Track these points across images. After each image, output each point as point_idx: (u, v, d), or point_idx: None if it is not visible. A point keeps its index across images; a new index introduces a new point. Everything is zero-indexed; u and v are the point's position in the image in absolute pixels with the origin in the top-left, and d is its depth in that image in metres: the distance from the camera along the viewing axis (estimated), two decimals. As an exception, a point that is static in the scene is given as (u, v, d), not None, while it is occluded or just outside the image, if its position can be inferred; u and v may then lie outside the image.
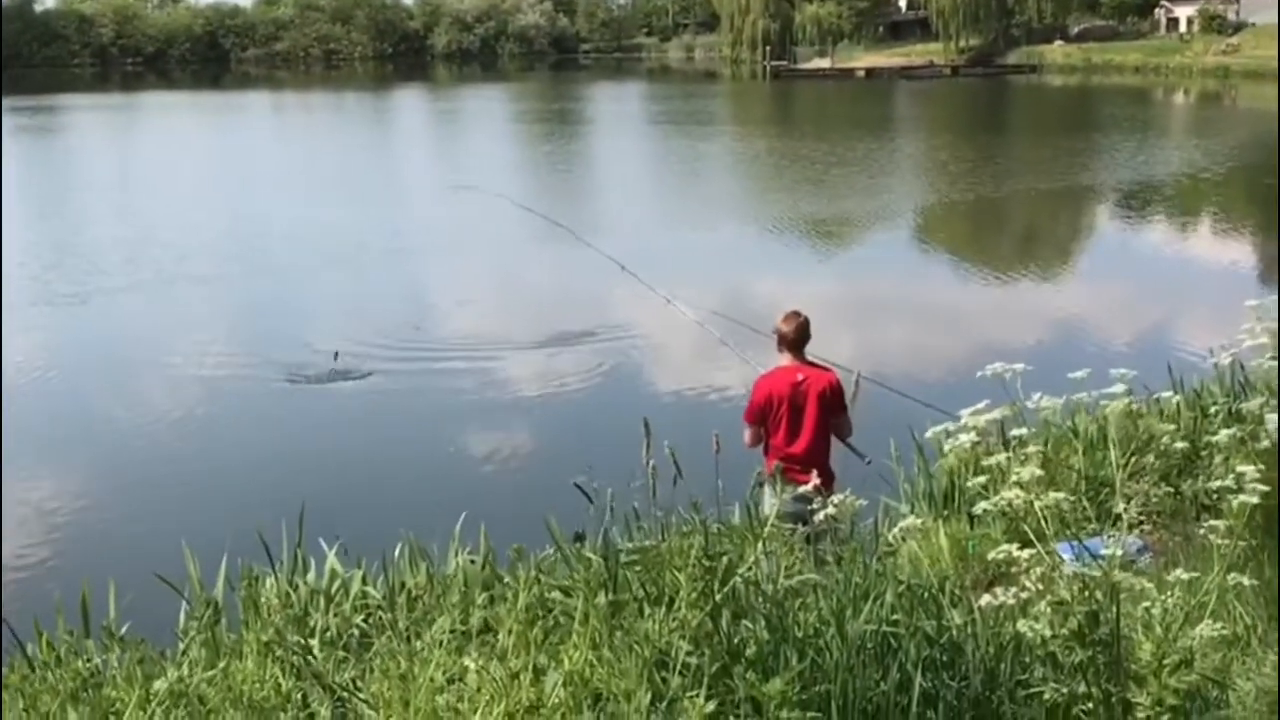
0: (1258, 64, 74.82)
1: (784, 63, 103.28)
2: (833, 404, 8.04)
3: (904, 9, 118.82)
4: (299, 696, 4.68)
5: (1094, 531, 5.28)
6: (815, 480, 5.30)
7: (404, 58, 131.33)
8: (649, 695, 3.89)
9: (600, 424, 13.62)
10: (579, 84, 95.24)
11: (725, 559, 4.32)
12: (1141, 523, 7.50)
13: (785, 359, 8.10)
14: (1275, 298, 4.81)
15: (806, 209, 29.96)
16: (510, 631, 4.56)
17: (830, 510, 4.73)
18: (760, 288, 20.52)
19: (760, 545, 4.52)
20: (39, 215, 31.27)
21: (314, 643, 5.61)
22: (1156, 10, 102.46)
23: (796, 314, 8.14)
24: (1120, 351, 15.66)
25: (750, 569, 4.36)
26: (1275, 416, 4.62)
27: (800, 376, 7.98)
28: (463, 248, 25.60)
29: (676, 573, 4.24)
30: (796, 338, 8.06)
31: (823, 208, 30.30)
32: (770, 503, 7.25)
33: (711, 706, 3.77)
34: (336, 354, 15.40)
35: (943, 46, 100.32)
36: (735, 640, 4.15)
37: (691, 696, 3.81)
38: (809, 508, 5.42)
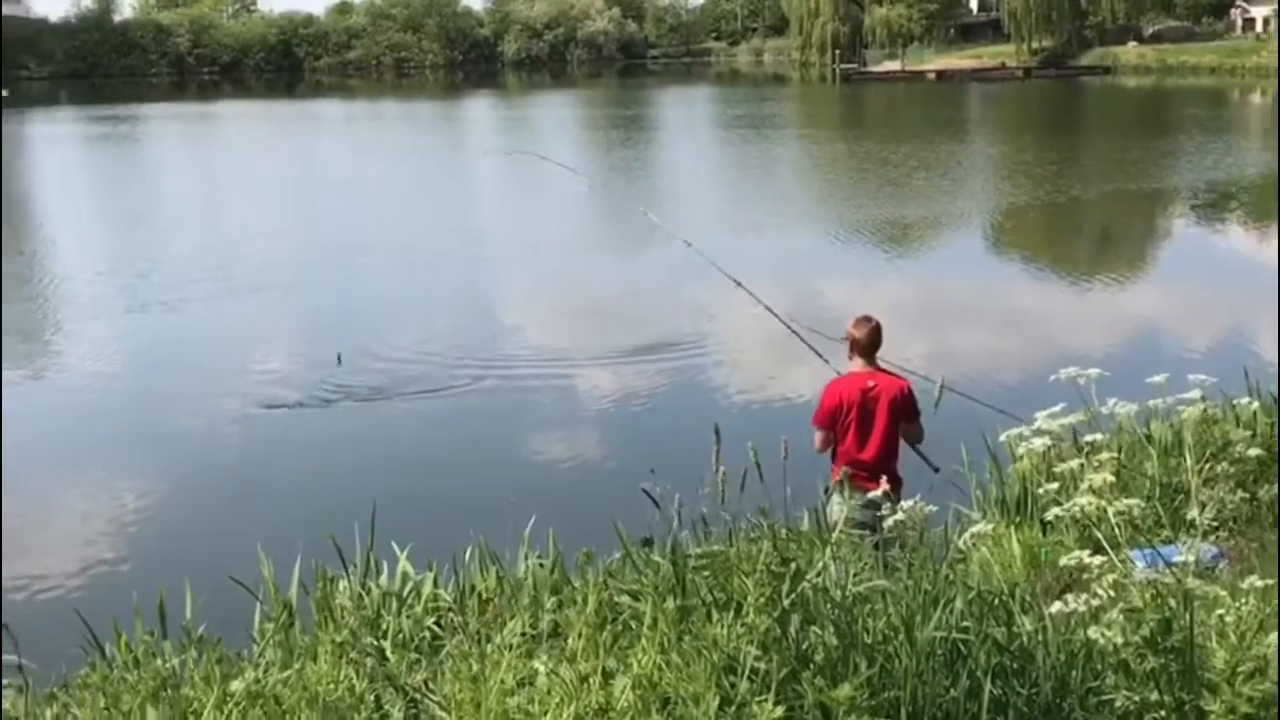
0: (1338, 63, 73.45)
1: (854, 66, 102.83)
2: (904, 411, 8.01)
3: (975, 11, 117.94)
4: (372, 698, 4.74)
5: (1168, 539, 5.23)
6: (884, 486, 5.29)
7: (474, 65, 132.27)
8: (717, 699, 3.90)
9: (668, 429, 13.64)
10: (648, 89, 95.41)
11: (794, 565, 4.32)
12: (1216, 529, 7.40)
13: (856, 364, 8.07)
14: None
15: (878, 212, 29.82)
16: (579, 635, 4.59)
17: (899, 516, 4.73)
18: (833, 292, 20.46)
19: (829, 551, 4.52)
20: (119, 223, 31.83)
21: (386, 645, 5.68)
22: (1232, 10, 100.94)
23: (868, 319, 8.11)
24: (1196, 357, 15.44)
25: (819, 575, 4.36)
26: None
27: (871, 383, 7.95)
28: (539, 251, 25.73)
29: (745, 578, 4.25)
30: (868, 343, 8.04)
31: (895, 210, 30.14)
32: (838, 509, 7.24)
33: (780, 712, 3.78)
34: (339, 357, 15.46)
35: (1015, 48, 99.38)
36: (804, 646, 4.14)
37: (760, 701, 3.81)
38: (878, 514, 5.42)
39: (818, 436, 8.08)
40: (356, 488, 11.84)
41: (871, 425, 7.95)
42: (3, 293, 16.75)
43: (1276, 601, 3.95)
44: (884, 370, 8.10)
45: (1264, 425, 9.11)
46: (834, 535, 4.87)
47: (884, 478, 6.01)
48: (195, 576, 7.76)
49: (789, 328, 9.66)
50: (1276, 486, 6.63)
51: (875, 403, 7.94)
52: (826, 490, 7.71)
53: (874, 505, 6.17)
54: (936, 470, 8.29)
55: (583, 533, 7.58)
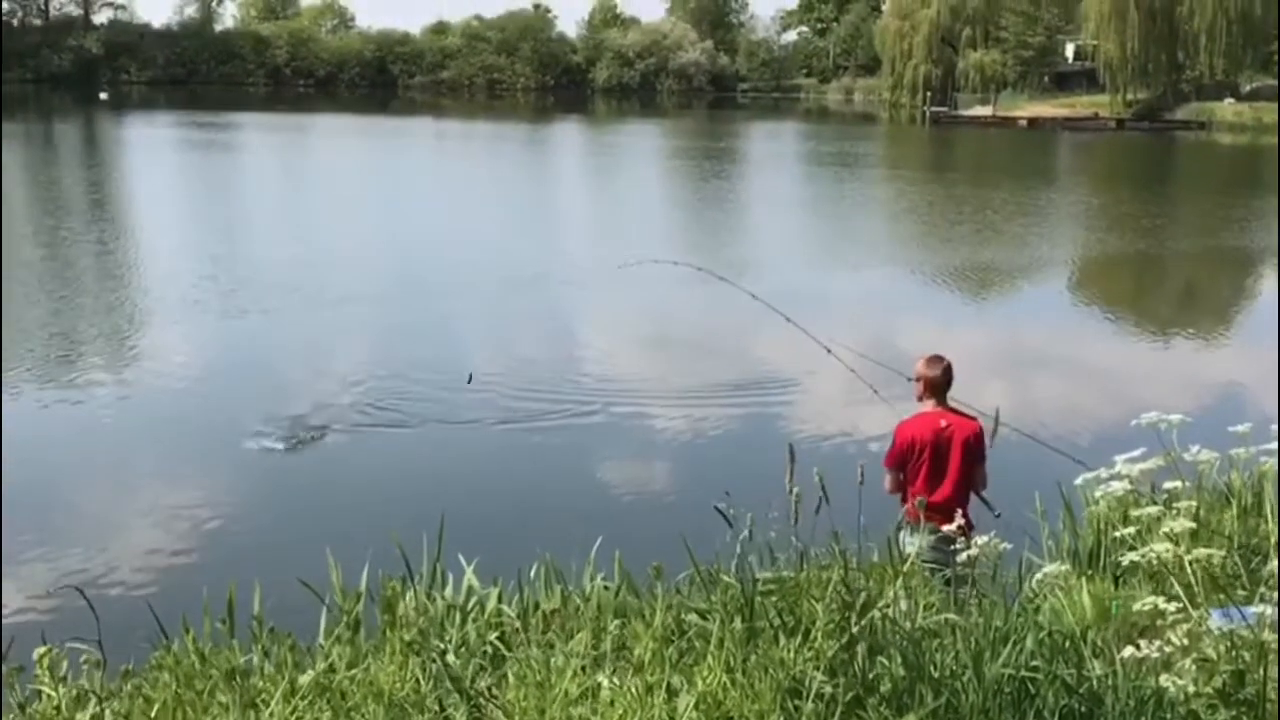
0: None
1: (944, 109, 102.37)
2: (976, 453, 7.94)
3: (1070, 60, 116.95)
4: (435, 699, 4.78)
5: (1246, 598, 5.16)
6: (960, 521, 5.27)
7: (565, 90, 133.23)
8: (782, 720, 3.91)
9: (740, 460, 13.65)
10: (737, 122, 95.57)
11: (864, 593, 4.33)
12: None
13: (927, 404, 8.03)
14: None
15: (963, 256, 29.67)
16: (646, 649, 4.61)
17: (973, 552, 4.71)
18: (912, 332, 20.35)
19: (900, 583, 4.51)
20: (213, 229, 32.42)
21: (450, 652, 5.73)
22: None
23: (939, 358, 8.07)
24: (1274, 417, 15.16)
25: (888, 605, 4.36)
26: None
27: (944, 423, 7.90)
28: (615, 282, 25.85)
29: (814, 603, 4.25)
30: (941, 382, 7.99)
31: (980, 255, 29.96)
32: (910, 545, 7.20)
33: (843, 736, 3.78)
34: (470, 376, 15.56)
35: (1109, 99, 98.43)
36: (870, 674, 4.14)
37: (824, 725, 3.82)
38: (951, 549, 5.38)
39: (888, 479, 8.02)
40: (427, 499, 11.96)
41: (945, 466, 7.88)
42: (2, 292, 17.08)
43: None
44: (956, 410, 8.03)
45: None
46: (905, 567, 4.86)
47: (957, 513, 5.98)
48: (264, 578, 7.89)
49: (849, 368, 9.60)
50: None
51: (949, 444, 7.88)
52: (899, 527, 7.67)
53: (946, 542, 6.15)
54: (998, 516, 8.21)
55: (650, 555, 7.58)
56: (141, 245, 29.61)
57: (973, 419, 8.04)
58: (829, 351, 9.63)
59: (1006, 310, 25.13)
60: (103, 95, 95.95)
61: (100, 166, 50.02)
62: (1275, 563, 4.24)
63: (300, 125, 79.64)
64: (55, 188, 39.65)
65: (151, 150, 56.71)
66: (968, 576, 5.30)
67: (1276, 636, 3.95)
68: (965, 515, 7.72)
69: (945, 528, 5.42)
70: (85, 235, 30.08)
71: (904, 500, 7.95)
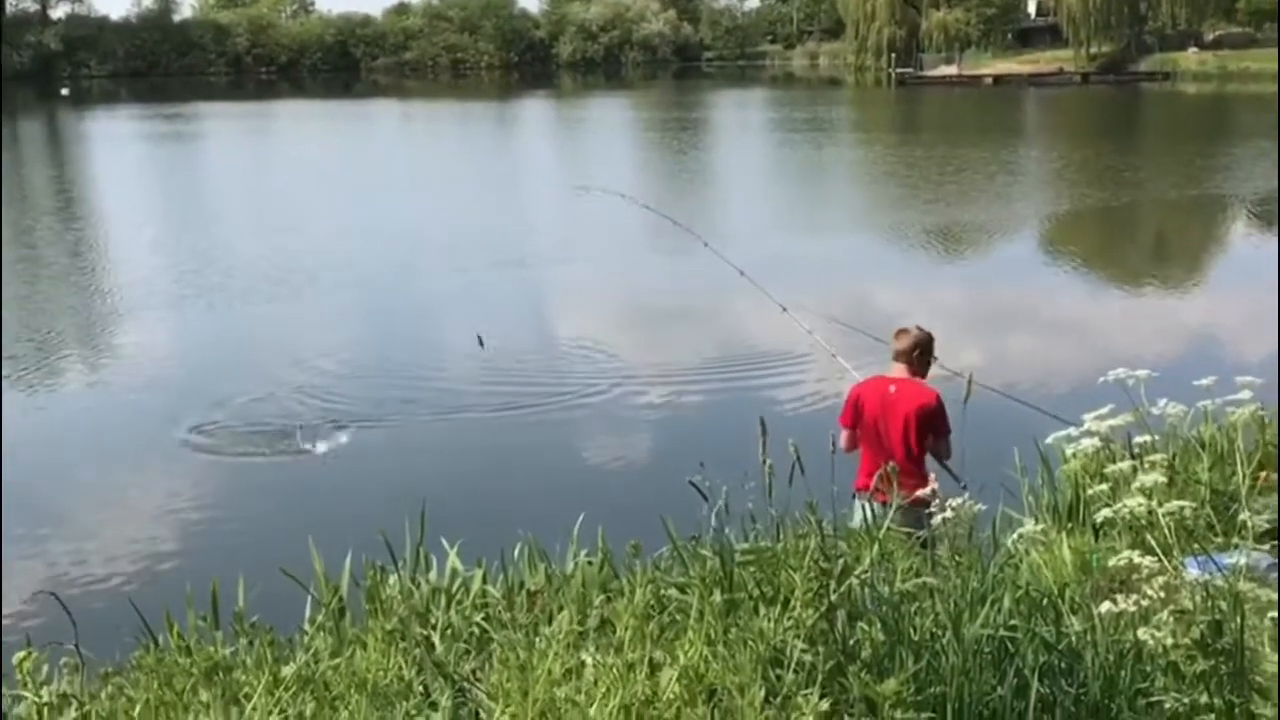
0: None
1: (909, 70, 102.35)
2: (926, 422, 7.87)
3: (1033, 15, 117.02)
4: (420, 686, 4.79)
5: (1221, 546, 5.20)
6: (933, 485, 5.27)
7: (529, 66, 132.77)
8: (763, 691, 3.92)
9: (714, 431, 13.68)
10: (703, 92, 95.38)
11: (841, 560, 4.34)
12: (1271, 535, 7.32)
13: (893, 369, 8.05)
14: None
15: (933, 216, 29.72)
16: (626, 626, 4.62)
17: (946, 515, 4.72)
18: (885, 296, 20.41)
19: (876, 548, 4.52)
20: (186, 221, 32.20)
21: (435, 637, 5.73)
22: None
23: (907, 330, 8.10)
24: (1250, 364, 15.28)
25: (866, 571, 4.37)
26: None
27: (892, 388, 7.89)
28: (584, 254, 25.81)
29: (792, 572, 4.26)
30: (902, 348, 8.02)
31: (950, 215, 30.03)
32: (858, 516, 7.20)
33: (826, 705, 3.79)
34: (480, 340, 15.40)
35: (1073, 53, 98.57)
36: (850, 641, 4.16)
37: (805, 694, 3.83)
38: (924, 513, 5.38)
39: (843, 435, 8.02)
40: (407, 488, 11.94)
41: (887, 432, 7.87)
42: (2, 291, 17.00)
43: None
44: (914, 379, 8.01)
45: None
46: (881, 533, 4.85)
47: (913, 481, 5.96)
48: (247, 570, 7.88)
49: (810, 333, 9.59)
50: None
51: (891, 408, 7.85)
52: (853, 496, 7.71)
53: (916, 507, 6.16)
54: (963, 486, 8.19)
55: (631, 530, 7.60)
56: (114, 241, 29.45)
57: (929, 389, 7.98)
58: (784, 310, 9.63)
59: (979, 269, 25.19)
60: (64, 91, 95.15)
61: (66, 164, 49.60)
62: (1247, 512, 4.26)
63: (264, 113, 79.13)
64: (26, 186, 39.33)
65: (116, 145, 56.24)
66: (940, 539, 5.29)
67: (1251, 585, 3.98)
68: (912, 485, 7.65)
69: (916, 493, 5.39)
70: (58, 233, 29.88)
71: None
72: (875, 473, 7.53)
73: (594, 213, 27.32)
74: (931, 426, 7.89)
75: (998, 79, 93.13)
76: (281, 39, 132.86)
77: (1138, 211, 31.26)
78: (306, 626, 6.63)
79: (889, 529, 4.64)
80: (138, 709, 4.74)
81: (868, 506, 7.02)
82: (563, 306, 21.70)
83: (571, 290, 22.97)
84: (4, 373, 16.25)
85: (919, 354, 8.05)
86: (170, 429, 14.15)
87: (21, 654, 4.73)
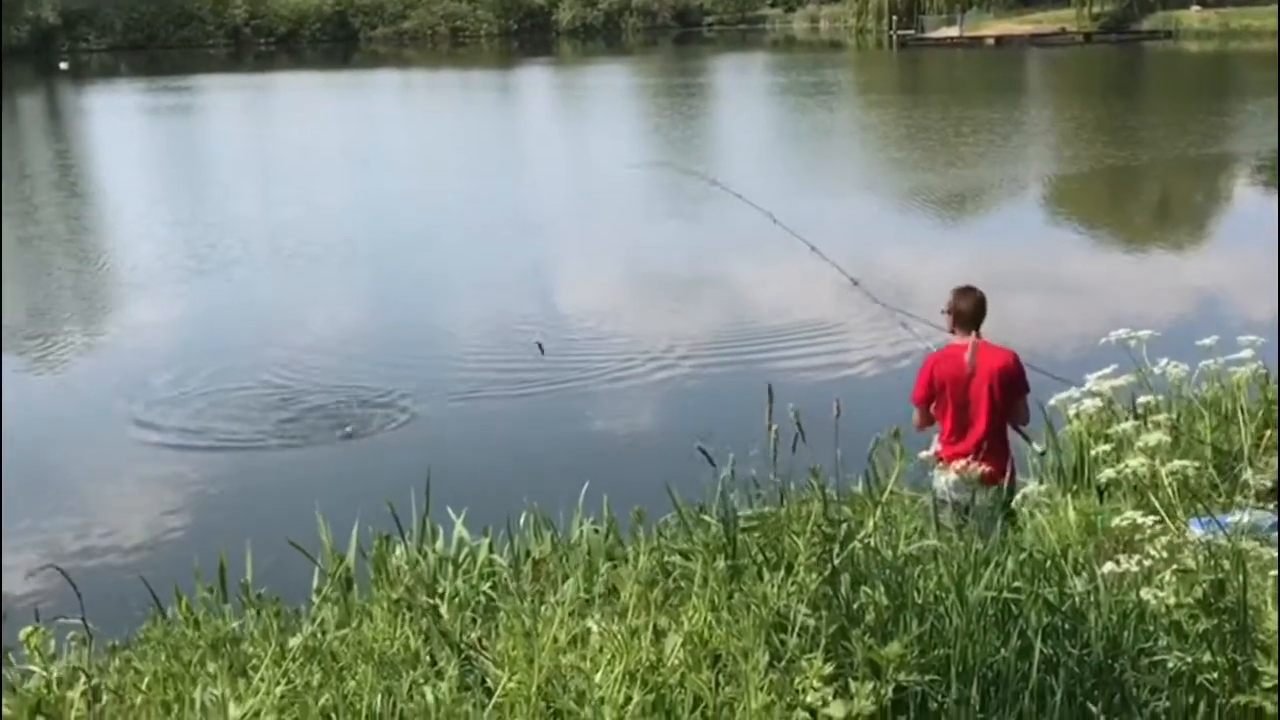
0: None
1: (911, 32, 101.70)
2: (1011, 386, 7.50)
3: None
4: (427, 654, 4.81)
5: (1225, 506, 5.20)
6: (982, 468, 5.14)
7: (528, 34, 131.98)
8: (767, 655, 3.93)
9: (722, 393, 13.68)
10: (705, 57, 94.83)
11: (844, 525, 4.34)
12: (1274, 494, 7.32)
13: (957, 337, 7.63)
14: None
15: (936, 178, 29.62)
16: (631, 593, 4.64)
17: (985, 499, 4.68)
18: (890, 258, 20.34)
19: (879, 512, 4.54)
20: (187, 195, 32.13)
21: (442, 606, 5.76)
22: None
23: (970, 289, 7.68)
24: (1255, 323, 15.24)
25: (870, 535, 4.38)
26: None
27: (968, 355, 7.50)
28: (596, 218, 25.76)
29: (795, 538, 4.27)
30: (971, 314, 7.59)
31: (953, 177, 29.92)
32: (938, 487, 7.10)
33: (829, 668, 3.80)
34: (540, 345, 15.00)
35: (1075, 13, 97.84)
36: (854, 605, 4.17)
37: (809, 658, 3.84)
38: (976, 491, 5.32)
39: (916, 414, 7.69)
40: (413, 454, 11.98)
41: (969, 403, 7.50)
42: (2, 286, 17.01)
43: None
44: (986, 343, 7.61)
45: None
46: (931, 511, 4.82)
47: (983, 459, 5.85)
48: (255, 541, 7.91)
49: (880, 303, 9.31)
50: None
51: (972, 379, 7.48)
52: (931, 465, 7.49)
53: (971, 485, 6.13)
54: (1042, 453, 8.05)
55: (636, 497, 7.62)
56: (118, 216, 29.38)
57: (1007, 352, 7.63)
58: (855, 283, 9.23)
59: (983, 230, 25.13)
60: (62, 65, 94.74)
61: (67, 139, 49.48)
62: (1250, 471, 4.27)
63: (264, 85, 78.73)
64: (26, 162, 39.25)
65: (117, 119, 56.03)
66: (993, 517, 5.25)
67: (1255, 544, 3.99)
68: (1000, 455, 7.38)
69: (969, 468, 5.32)
70: (61, 209, 29.82)
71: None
72: (959, 443, 7.36)
73: (605, 180, 27.28)
74: (1014, 388, 7.55)
75: (1000, 40, 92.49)
76: (280, 10, 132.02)
77: (1141, 171, 31.12)
78: (313, 598, 6.67)
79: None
80: (146, 681, 4.76)
81: (948, 478, 6.94)
82: (573, 276, 21.67)
83: (583, 259, 22.92)
84: (6, 348, 16.26)
85: (982, 316, 7.68)
86: (178, 403, 14.18)
87: (29, 629, 4.75)
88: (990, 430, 7.48)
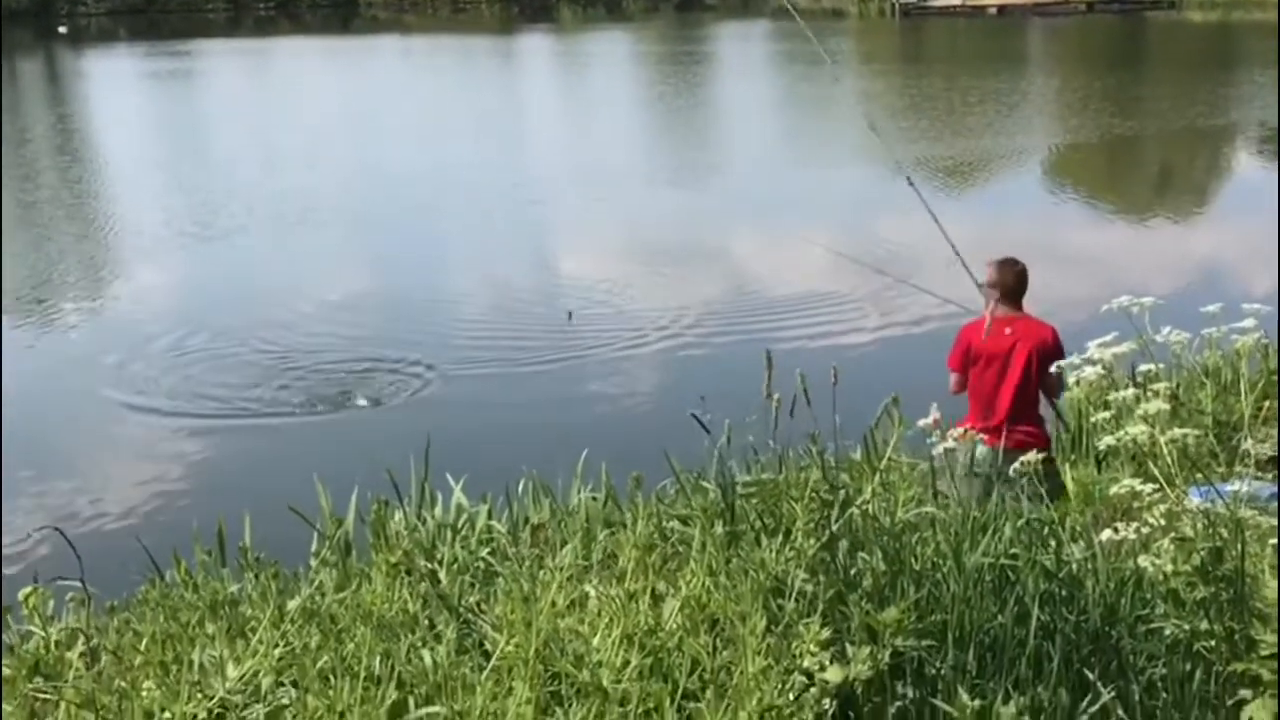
0: None
1: (913, 1, 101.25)
2: (1046, 361, 7.25)
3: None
4: (426, 618, 4.82)
5: (1224, 475, 5.20)
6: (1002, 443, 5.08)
7: (529, 1, 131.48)
8: (764, 620, 3.94)
9: (723, 361, 13.69)
10: (706, 25, 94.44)
11: (842, 492, 4.35)
12: (1273, 464, 7.32)
13: (999, 310, 7.55)
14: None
15: (937, 148, 29.49)
16: (629, 559, 4.65)
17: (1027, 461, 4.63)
18: (889, 228, 20.29)
19: (877, 478, 4.54)
20: (179, 161, 32.03)
21: (441, 571, 5.78)
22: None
23: (1012, 260, 7.62)
24: (1257, 294, 15.20)
25: (868, 502, 4.39)
26: None
27: (1008, 329, 7.46)
28: (585, 190, 25.69)
29: (793, 503, 4.28)
30: (1013, 286, 7.54)
31: (954, 146, 29.79)
32: (961, 461, 6.97)
33: (827, 633, 3.81)
34: (570, 314, 14.84)
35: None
36: (851, 571, 4.18)
37: (807, 623, 3.85)
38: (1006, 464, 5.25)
39: (952, 379, 7.65)
40: (412, 421, 11.98)
41: (1006, 375, 7.42)
42: (2, 279, 17.00)
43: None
44: (1027, 317, 7.58)
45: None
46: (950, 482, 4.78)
47: (1012, 432, 5.81)
48: (254, 507, 7.92)
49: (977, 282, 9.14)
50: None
51: (1010, 352, 7.41)
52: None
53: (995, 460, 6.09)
54: (1068, 430, 7.99)
55: (636, 464, 7.62)
56: (120, 181, 29.25)
57: (1047, 326, 7.59)
58: (957, 257, 8.94)
59: (985, 200, 25.06)
60: (62, 29, 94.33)
61: (66, 103, 49.30)
62: (1249, 443, 4.26)
63: (264, 50, 78.40)
64: (30, 130, 39.10)
65: (117, 83, 55.81)
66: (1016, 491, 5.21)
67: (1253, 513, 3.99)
68: (1032, 428, 7.41)
69: (968, 435, 5.26)
70: (62, 174, 29.73)
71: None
72: (991, 416, 7.31)
73: (604, 150, 27.20)
74: (1050, 363, 7.61)
75: (1002, 9, 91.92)
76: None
77: (1144, 141, 31.02)
78: (312, 562, 6.68)
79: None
80: (144, 642, 4.78)
81: (978, 450, 6.91)
82: (572, 245, 21.63)
83: (580, 229, 22.86)
84: (6, 313, 16.25)
85: (1024, 289, 7.64)
86: (179, 369, 14.17)
87: (28, 589, 4.76)
88: (1025, 403, 7.45)
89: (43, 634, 4.74)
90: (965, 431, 4.63)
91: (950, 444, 4.96)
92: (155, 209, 24.12)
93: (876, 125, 9.53)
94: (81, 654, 4.61)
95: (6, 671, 4.54)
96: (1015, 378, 7.42)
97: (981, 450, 6.93)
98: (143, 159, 32.35)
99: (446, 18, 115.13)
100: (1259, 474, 4.69)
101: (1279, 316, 6.91)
